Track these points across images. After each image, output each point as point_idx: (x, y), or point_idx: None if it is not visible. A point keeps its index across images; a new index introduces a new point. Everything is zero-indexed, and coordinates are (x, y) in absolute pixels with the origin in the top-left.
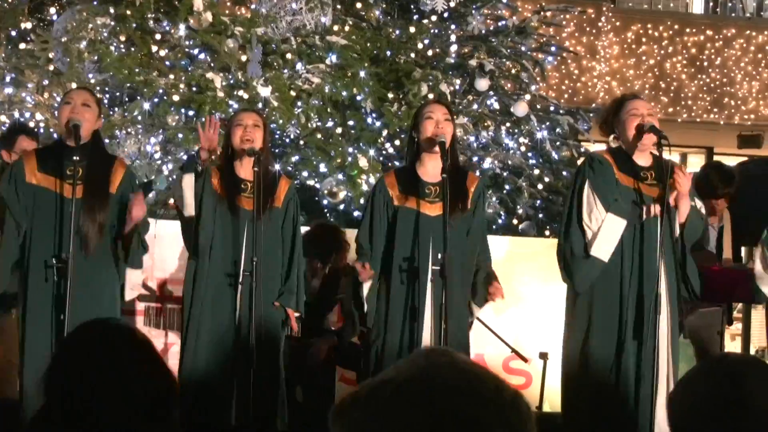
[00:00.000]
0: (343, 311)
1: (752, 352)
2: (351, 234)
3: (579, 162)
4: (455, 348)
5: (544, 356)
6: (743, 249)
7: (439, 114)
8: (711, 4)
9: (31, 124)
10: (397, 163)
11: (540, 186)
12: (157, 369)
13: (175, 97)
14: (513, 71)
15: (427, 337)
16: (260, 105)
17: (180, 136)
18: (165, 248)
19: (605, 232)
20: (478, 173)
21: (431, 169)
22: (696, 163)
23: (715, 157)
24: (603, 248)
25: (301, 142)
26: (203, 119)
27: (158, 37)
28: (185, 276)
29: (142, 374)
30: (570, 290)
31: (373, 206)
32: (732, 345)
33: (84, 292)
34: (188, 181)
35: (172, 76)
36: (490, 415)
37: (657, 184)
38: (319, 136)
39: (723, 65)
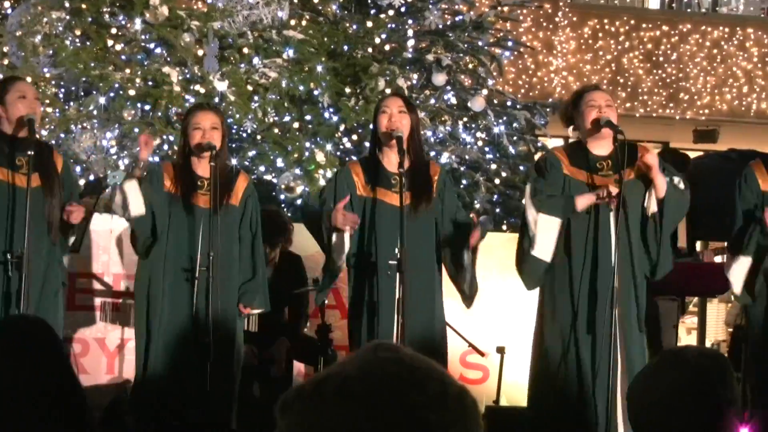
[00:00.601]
0: (296, 305)
1: (707, 345)
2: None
3: (536, 157)
4: (421, 344)
5: (501, 350)
6: (698, 243)
7: (393, 108)
8: None
9: None
10: (354, 158)
11: (497, 181)
12: (58, 368)
13: (131, 92)
14: (470, 66)
15: (394, 333)
16: (217, 99)
17: (136, 130)
18: (122, 244)
19: (541, 232)
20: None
21: (393, 159)
22: None
23: None
24: (542, 248)
25: (258, 137)
26: (143, 139)
27: (114, 31)
28: (136, 274)
29: (39, 371)
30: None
31: (337, 183)
32: (687, 338)
33: (39, 284)
34: (130, 185)
35: (128, 71)
36: (435, 410)
37: (613, 174)
38: (276, 130)
39: (679, 60)
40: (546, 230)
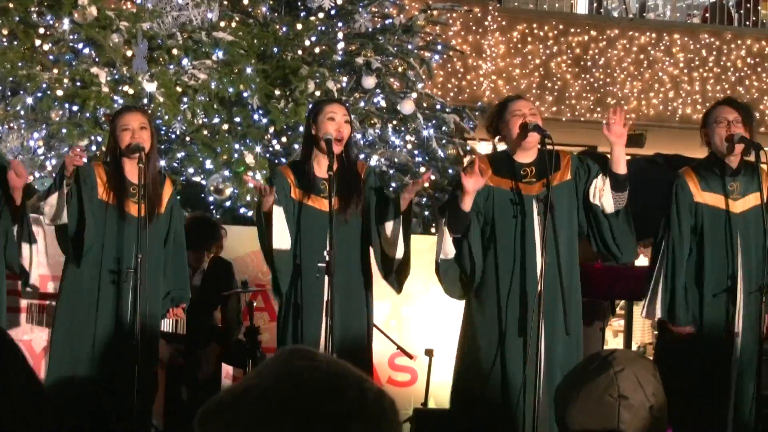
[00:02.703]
0: (226, 310)
1: (634, 348)
2: (238, 231)
3: (465, 160)
4: (347, 347)
5: (429, 353)
6: None
7: (340, 115)
8: (595, 4)
9: None
10: (284, 160)
11: (426, 184)
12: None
13: (59, 92)
14: (400, 69)
15: (321, 336)
16: (145, 101)
17: (64, 131)
18: (48, 245)
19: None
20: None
21: (324, 164)
22: None
23: None
24: (443, 250)
25: (187, 139)
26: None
27: (42, 30)
28: (61, 275)
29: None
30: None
31: (273, 185)
32: (614, 341)
33: None
34: (53, 199)
35: (55, 71)
36: (353, 415)
37: (537, 181)
38: (205, 132)
39: (606, 65)
40: (442, 238)
